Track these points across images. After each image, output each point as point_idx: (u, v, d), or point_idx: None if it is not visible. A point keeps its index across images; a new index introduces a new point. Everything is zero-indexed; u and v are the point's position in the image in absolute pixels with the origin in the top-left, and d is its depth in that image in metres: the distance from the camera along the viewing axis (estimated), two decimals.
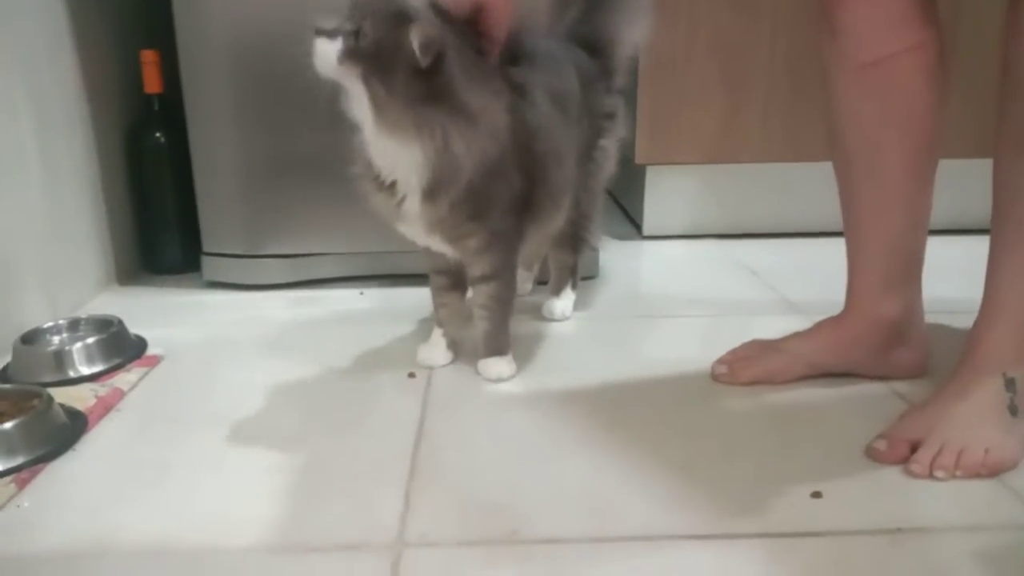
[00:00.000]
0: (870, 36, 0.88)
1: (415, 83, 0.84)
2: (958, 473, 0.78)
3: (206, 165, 1.30)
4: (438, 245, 0.98)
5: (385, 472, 0.81)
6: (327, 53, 0.84)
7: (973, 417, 0.81)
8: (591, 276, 1.36)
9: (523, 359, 1.05)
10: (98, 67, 1.32)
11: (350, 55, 0.84)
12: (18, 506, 0.76)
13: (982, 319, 0.85)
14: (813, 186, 1.56)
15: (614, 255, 1.51)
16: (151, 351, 1.09)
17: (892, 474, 0.79)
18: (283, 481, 0.80)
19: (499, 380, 1.00)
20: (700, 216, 1.63)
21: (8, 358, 1.04)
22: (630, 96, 1.34)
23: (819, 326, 1.01)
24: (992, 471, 0.78)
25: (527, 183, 0.97)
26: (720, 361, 1.01)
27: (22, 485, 0.79)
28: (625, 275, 1.41)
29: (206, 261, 1.34)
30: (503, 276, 1.00)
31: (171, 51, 1.26)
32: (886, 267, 0.96)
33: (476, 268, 0.99)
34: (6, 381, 1.00)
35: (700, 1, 1.49)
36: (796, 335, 1.02)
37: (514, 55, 1.03)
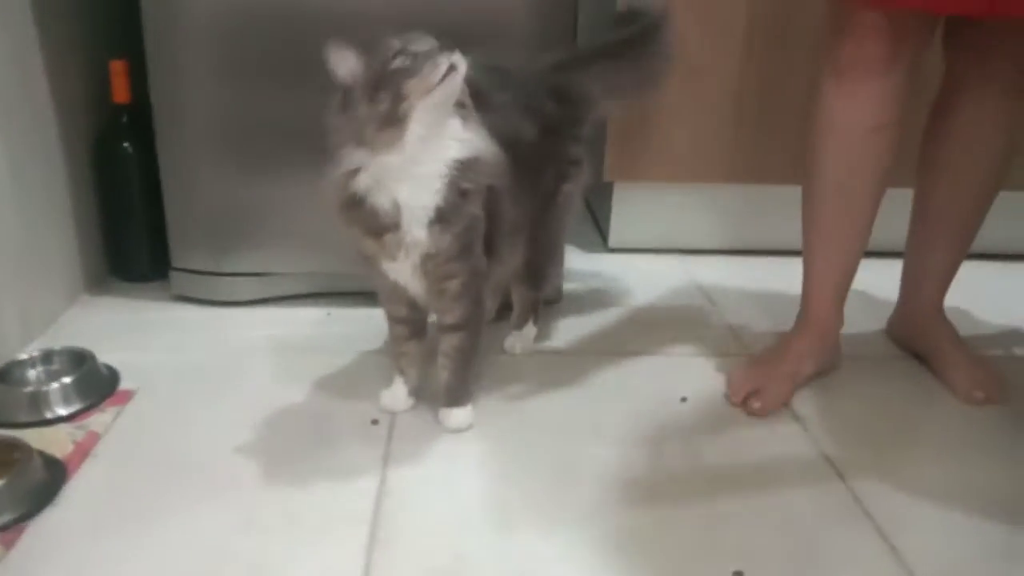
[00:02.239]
0: (883, 105, 1.05)
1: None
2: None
3: (174, 180, 1.31)
4: (416, 287, 1.02)
5: (348, 533, 0.87)
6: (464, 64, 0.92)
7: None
8: (554, 301, 1.42)
9: (482, 400, 1.11)
10: (66, 77, 1.31)
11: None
12: (4, 570, 0.82)
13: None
14: (774, 208, 1.62)
15: (579, 271, 1.56)
16: (123, 384, 1.13)
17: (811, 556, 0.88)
18: (252, 542, 0.86)
19: (459, 430, 1.06)
20: (664, 232, 1.68)
21: None
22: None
23: (790, 343, 1.19)
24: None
25: (488, 222, 1.02)
26: (741, 397, 1.13)
27: (9, 546, 0.84)
28: (587, 301, 1.46)
29: (174, 276, 1.36)
30: (471, 327, 1.05)
31: (140, 61, 1.26)
32: (840, 286, 1.18)
33: (448, 316, 1.04)
34: None
35: (673, 19, 1.50)
36: (778, 353, 1.19)
37: (473, 102, 1.07)
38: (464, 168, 0.95)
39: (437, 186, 0.94)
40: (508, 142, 1.03)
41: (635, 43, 1.18)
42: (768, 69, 1.53)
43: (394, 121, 0.91)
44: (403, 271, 1.00)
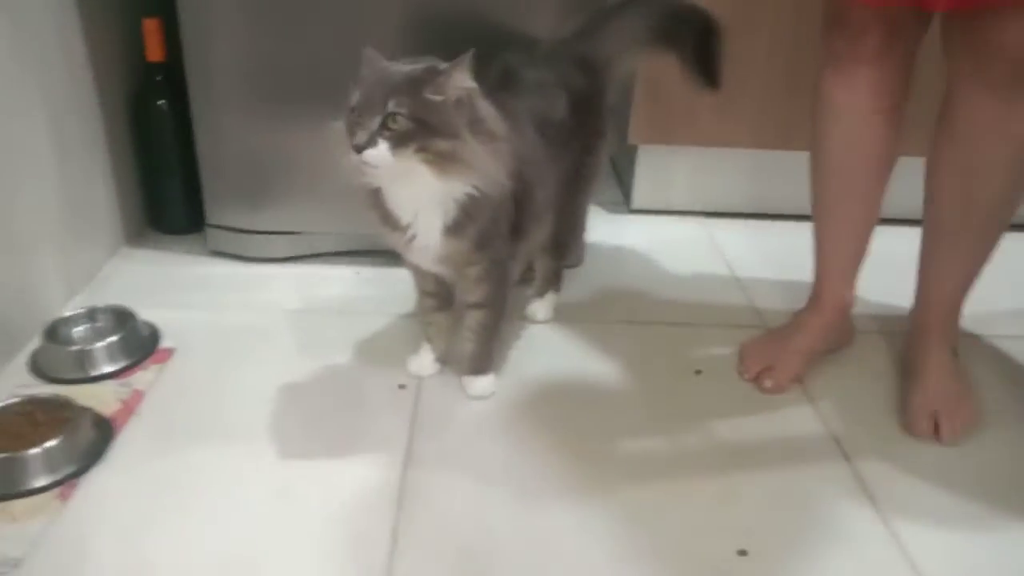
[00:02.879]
0: (881, 91, 1.06)
1: (453, 125, 0.89)
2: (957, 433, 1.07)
3: (209, 138, 1.34)
4: (439, 270, 1.06)
5: (377, 502, 0.93)
6: (380, 158, 0.87)
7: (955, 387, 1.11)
8: (575, 265, 1.44)
9: (505, 369, 1.16)
10: (101, 36, 1.33)
11: (402, 142, 0.87)
12: (63, 524, 0.89)
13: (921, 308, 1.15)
14: (798, 172, 1.61)
15: (600, 234, 1.57)
16: (163, 343, 1.18)
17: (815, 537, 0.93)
18: (289, 508, 0.92)
19: (481, 397, 1.11)
20: (687, 195, 1.69)
21: (31, 341, 1.15)
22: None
23: (802, 320, 1.21)
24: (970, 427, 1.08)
25: (516, 209, 1.04)
26: (753, 373, 1.17)
27: (65, 499, 0.92)
28: (608, 266, 1.49)
29: (209, 232, 1.41)
30: (495, 305, 1.08)
31: (173, 19, 1.27)
32: (851, 264, 1.19)
33: (471, 295, 1.08)
34: (35, 372, 1.11)
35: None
36: (790, 330, 1.21)
37: (504, 81, 1.08)
38: (469, 198, 0.94)
39: (441, 210, 0.95)
40: (541, 124, 1.05)
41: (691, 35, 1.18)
42: (795, 33, 1.50)
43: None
44: (423, 261, 1.03)
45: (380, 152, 0.87)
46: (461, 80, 0.89)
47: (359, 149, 0.87)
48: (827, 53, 1.08)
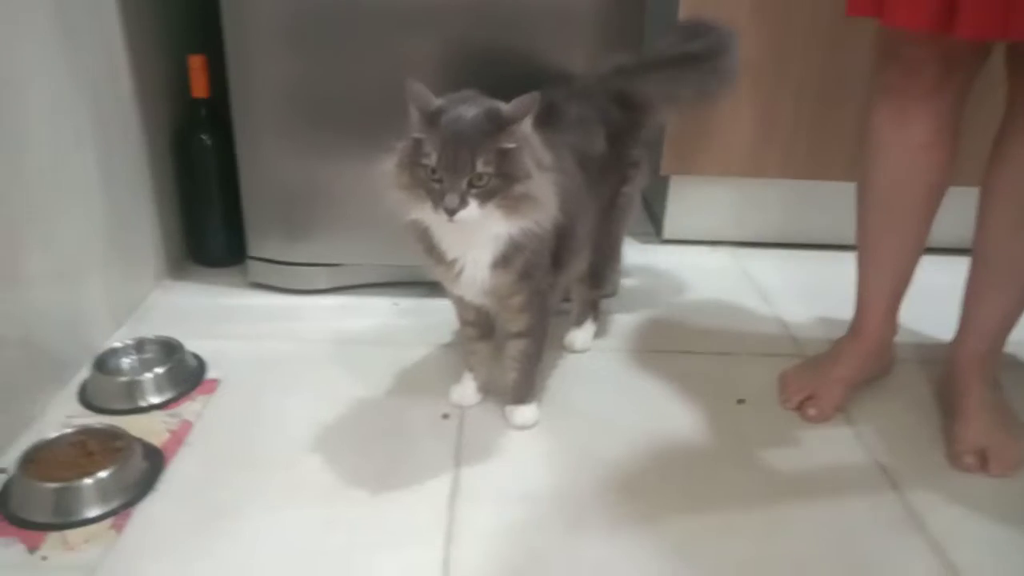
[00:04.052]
0: (932, 127, 1.06)
1: (526, 168, 0.92)
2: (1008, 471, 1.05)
3: (251, 171, 1.37)
4: (481, 301, 1.07)
5: (426, 531, 0.94)
6: (471, 216, 0.90)
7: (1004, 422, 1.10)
8: (611, 295, 1.45)
9: (547, 398, 1.17)
10: (148, 72, 1.37)
11: (489, 196, 0.90)
12: (118, 553, 0.89)
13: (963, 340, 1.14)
14: (827, 202, 1.63)
15: (634, 264, 1.59)
16: (209, 374, 1.20)
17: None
18: (339, 539, 0.93)
19: (524, 427, 1.12)
20: (718, 225, 1.70)
21: (80, 372, 1.17)
22: None
23: (843, 349, 1.21)
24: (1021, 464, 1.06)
25: (558, 242, 1.05)
26: (796, 402, 1.17)
27: (120, 530, 0.92)
28: (642, 296, 1.50)
29: (250, 264, 1.43)
30: (536, 334, 1.09)
31: (218, 57, 1.31)
32: (894, 295, 1.18)
33: (513, 325, 1.09)
34: (85, 403, 1.12)
35: (736, 17, 1.50)
36: (831, 359, 1.21)
37: (548, 118, 1.09)
38: (522, 231, 0.95)
39: (492, 246, 0.96)
40: (582, 159, 1.07)
41: (701, 57, 1.19)
42: (827, 66, 1.53)
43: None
44: (468, 293, 1.04)
45: (471, 211, 0.90)
46: (529, 123, 0.91)
47: (452, 213, 0.89)
48: (879, 87, 1.08)
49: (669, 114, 1.33)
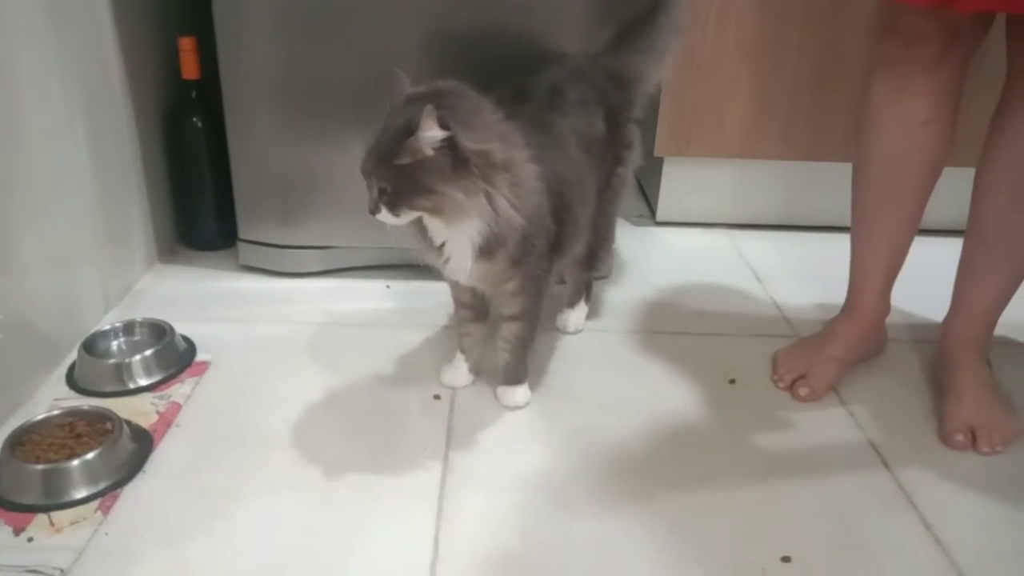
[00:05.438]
0: (932, 101, 1.04)
1: (445, 172, 0.89)
2: (998, 448, 1.05)
3: (242, 153, 1.35)
4: (474, 285, 1.06)
5: (417, 510, 0.93)
6: (387, 219, 0.92)
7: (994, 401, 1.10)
8: (604, 276, 1.45)
9: (538, 379, 1.16)
10: (138, 54, 1.35)
11: (393, 206, 0.91)
12: (106, 534, 0.89)
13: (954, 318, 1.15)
14: (822, 184, 1.63)
15: (627, 246, 1.58)
16: (199, 356, 1.19)
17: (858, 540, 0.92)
18: (331, 518, 0.92)
19: (516, 407, 1.11)
20: (712, 207, 1.69)
21: (69, 355, 1.16)
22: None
23: (836, 329, 1.21)
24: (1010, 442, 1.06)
25: (557, 226, 1.04)
26: (788, 381, 1.16)
27: (106, 511, 0.92)
28: (635, 277, 1.49)
29: (241, 247, 1.42)
30: (530, 318, 1.09)
31: (208, 38, 1.29)
32: (886, 276, 1.18)
33: (507, 308, 1.08)
34: (73, 385, 1.12)
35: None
36: (824, 339, 1.20)
37: (553, 100, 1.09)
38: (490, 230, 0.94)
39: (468, 239, 0.95)
40: (586, 142, 1.06)
41: (645, 17, 1.17)
42: (823, 46, 1.51)
43: None
44: (459, 278, 1.04)
45: (384, 215, 0.93)
46: (427, 140, 0.87)
47: (371, 212, 0.93)
48: (879, 61, 1.06)
49: (657, 78, 1.28)
